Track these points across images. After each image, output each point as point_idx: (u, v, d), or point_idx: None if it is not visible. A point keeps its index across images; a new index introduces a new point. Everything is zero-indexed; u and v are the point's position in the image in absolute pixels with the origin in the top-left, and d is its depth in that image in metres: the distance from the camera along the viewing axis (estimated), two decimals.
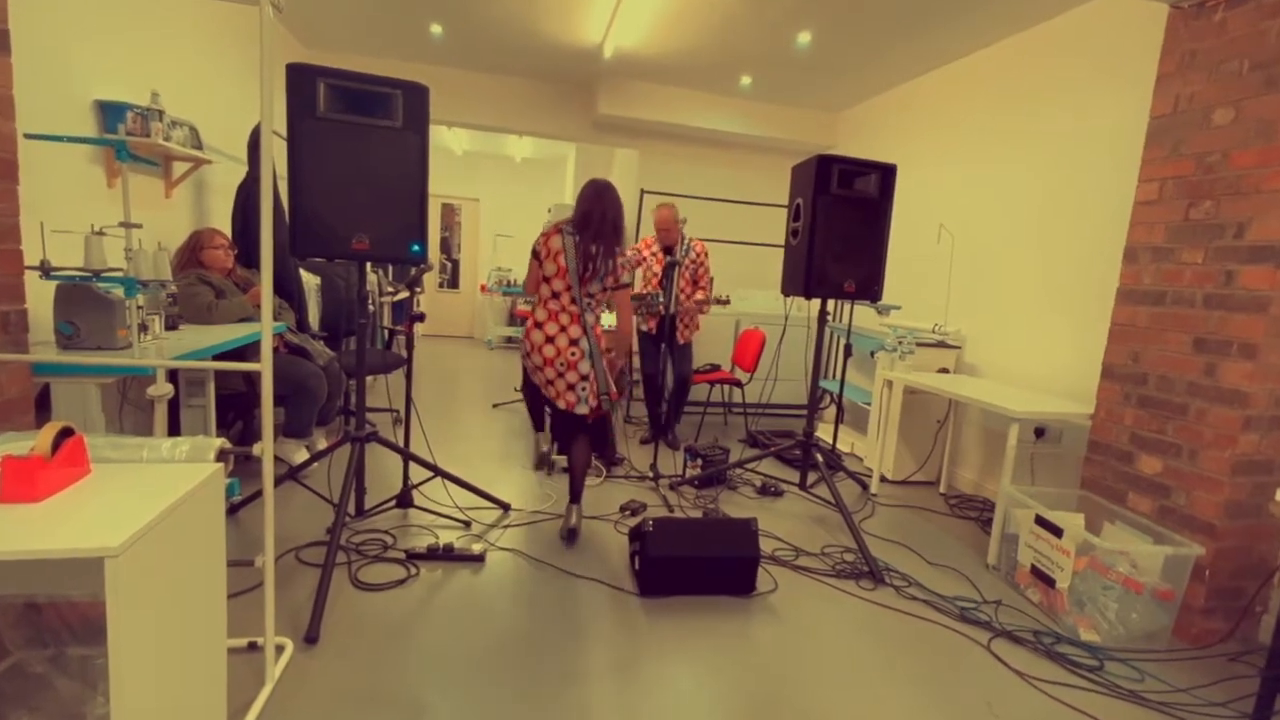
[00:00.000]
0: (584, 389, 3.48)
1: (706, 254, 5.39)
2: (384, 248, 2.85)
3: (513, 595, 2.99)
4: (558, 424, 3.68)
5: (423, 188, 2.88)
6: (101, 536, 1.34)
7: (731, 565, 3.12)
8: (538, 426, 4.12)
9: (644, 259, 5.40)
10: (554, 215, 5.59)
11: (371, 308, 6.46)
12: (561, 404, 3.51)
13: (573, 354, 3.43)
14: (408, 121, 2.82)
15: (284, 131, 2.75)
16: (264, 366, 2.00)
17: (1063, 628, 3.06)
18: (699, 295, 5.32)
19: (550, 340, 3.45)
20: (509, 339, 11.22)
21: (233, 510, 3.55)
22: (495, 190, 11.59)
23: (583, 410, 3.51)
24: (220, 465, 1.81)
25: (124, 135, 3.39)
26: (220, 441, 1.94)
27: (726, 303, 5.53)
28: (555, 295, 3.47)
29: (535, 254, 3.52)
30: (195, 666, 1.73)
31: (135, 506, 1.49)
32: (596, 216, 3.46)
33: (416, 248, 2.91)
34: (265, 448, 2.05)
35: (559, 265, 3.44)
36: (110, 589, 1.32)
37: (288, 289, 4.59)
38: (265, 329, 2.01)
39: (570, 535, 3.57)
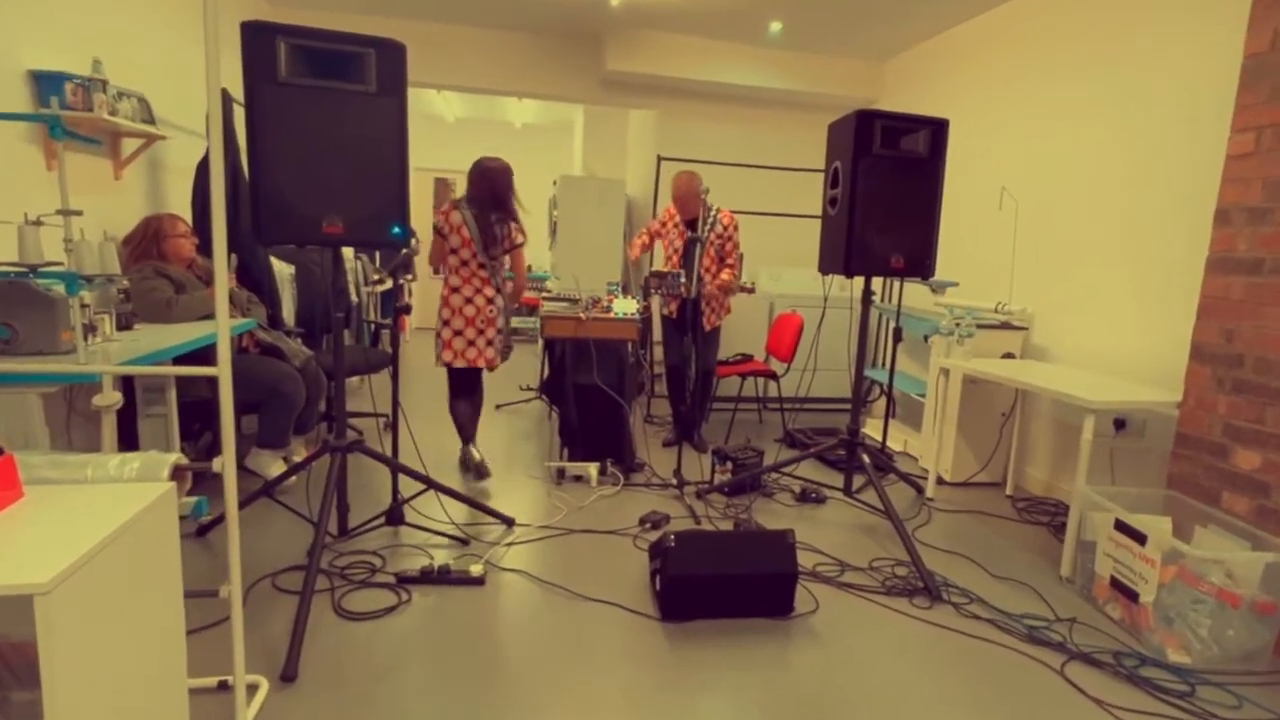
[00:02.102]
0: (499, 342, 4.49)
1: (736, 226, 5.34)
2: (360, 231, 2.83)
3: (517, 622, 2.98)
4: (462, 383, 4.59)
5: (402, 160, 2.86)
6: (29, 571, 1.33)
7: (766, 583, 3.10)
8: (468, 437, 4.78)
9: (662, 231, 5.37)
10: (561, 188, 5.58)
11: (355, 299, 6.47)
12: (481, 362, 4.45)
13: (490, 311, 4.42)
14: (383, 85, 2.80)
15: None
16: (221, 370, 1.99)
17: (1148, 648, 3.01)
18: (725, 275, 5.28)
19: (469, 301, 4.39)
20: (516, 330, 11.23)
21: (202, 532, 3.56)
22: None
23: (496, 361, 4.49)
24: (173, 485, 1.80)
25: (58, 110, 3.38)
26: (174, 457, 1.93)
27: (751, 290, 5.47)
28: (464, 264, 4.38)
29: (439, 230, 4.36)
30: (150, 710, 1.72)
31: (72, 534, 1.48)
32: (488, 192, 4.36)
33: (397, 230, 2.89)
34: (226, 462, 2.04)
35: (463, 237, 4.33)
36: (42, 629, 1.31)
37: (257, 280, 4.60)
38: (221, 325, 1.99)
39: (480, 470, 4.58)
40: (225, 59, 3.01)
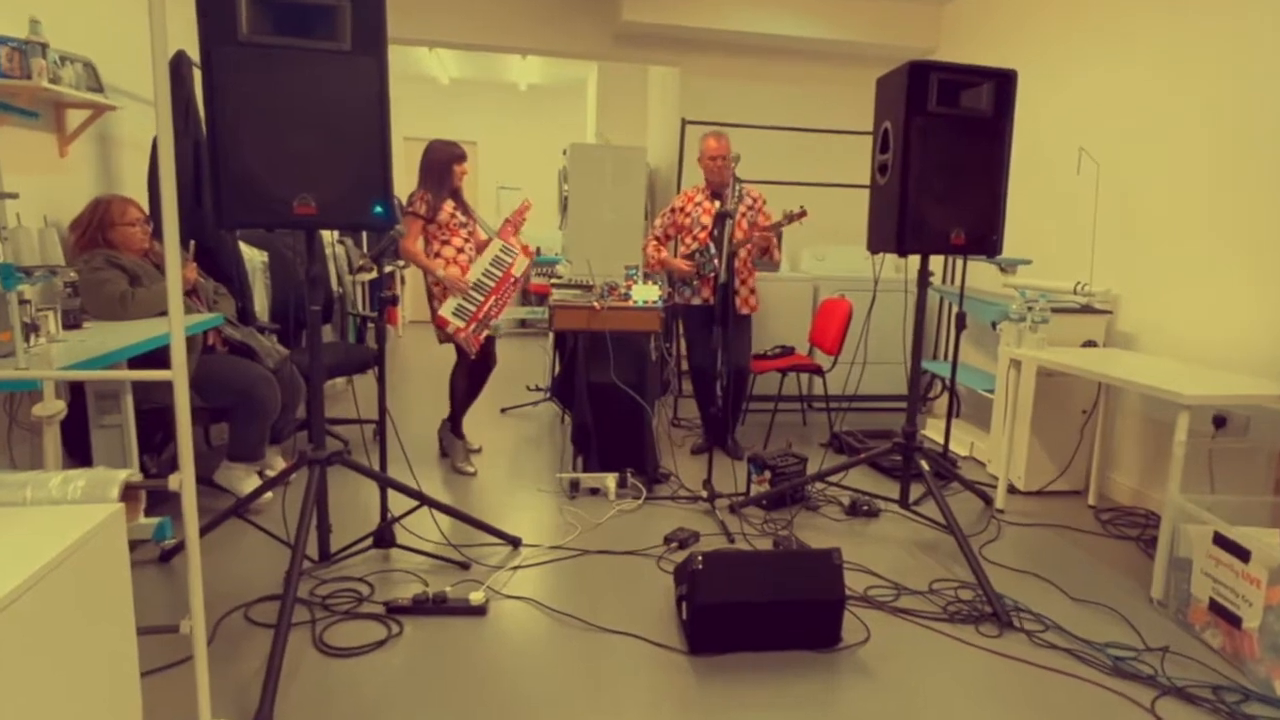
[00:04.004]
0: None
1: (765, 201, 5.40)
2: (336, 211, 2.84)
3: (524, 657, 2.97)
4: (479, 370, 5.15)
5: (383, 129, 2.86)
6: None
7: (810, 611, 3.08)
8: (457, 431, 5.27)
9: (680, 217, 5.35)
10: (572, 158, 5.56)
11: (337, 290, 6.49)
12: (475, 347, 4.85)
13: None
14: (359, 42, 2.80)
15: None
16: (175, 372, 1.98)
17: (1252, 680, 2.98)
18: (761, 220, 5.33)
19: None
20: (523, 321, 11.25)
21: (165, 557, 3.59)
22: (496, 129, 11.63)
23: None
24: (123, 506, 1.79)
25: None
26: (125, 474, 1.93)
27: (803, 215, 5.26)
28: (460, 249, 4.90)
29: (416, 215, 4.83)
30: None
31: (3, 565, 1.47)
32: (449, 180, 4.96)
33: (380, 209, 2.89)
34: (184, 479, 2.04)
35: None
36: None
37: (225, 269, 4.62)
38: (174, 318, 1.99)
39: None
40: (180, 15, 3.00)
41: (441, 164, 4.93)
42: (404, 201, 5.03)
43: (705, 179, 5.35)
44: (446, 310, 4.75)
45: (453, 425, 5.23)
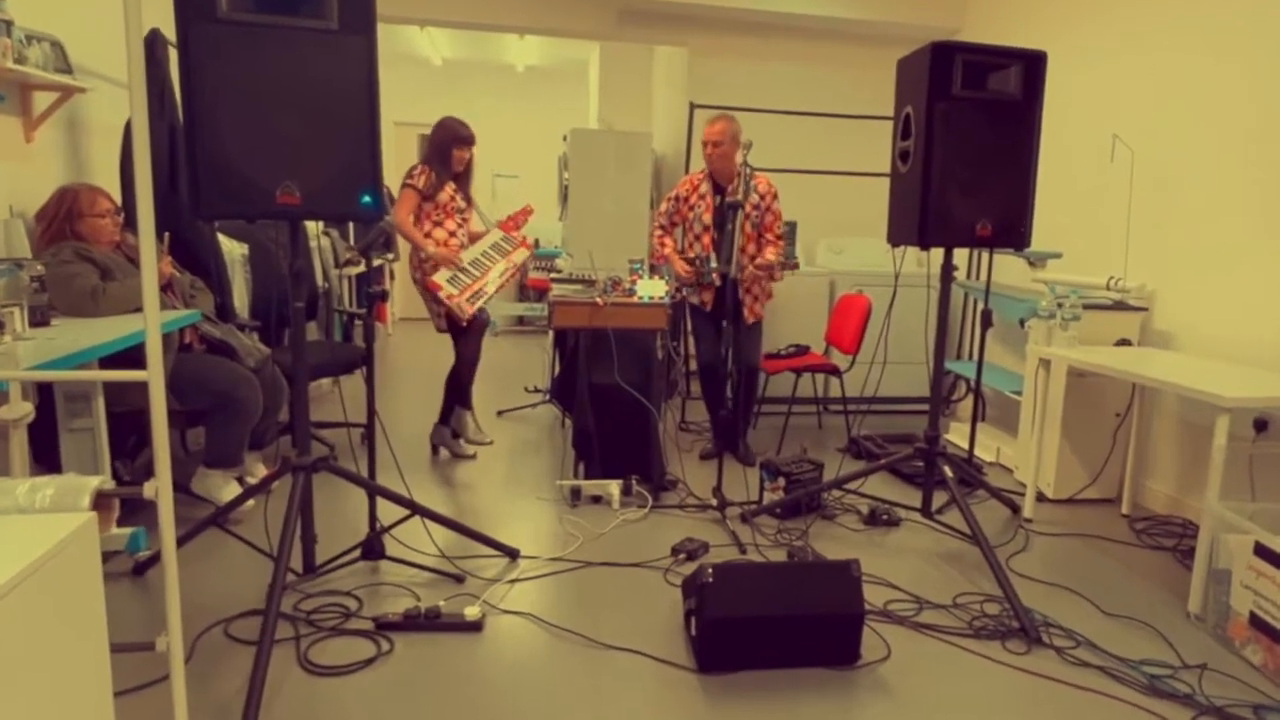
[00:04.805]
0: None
1: (775, 195, 5.33)
2: (322, 201, 2.84)
3: (522, 676, 2.97)
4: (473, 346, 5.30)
5: (372, 113, 2.86)
6: None
7: (826, 626, 3.08)
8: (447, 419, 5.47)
9: (682, 208, 5.33)
10: (573, 144, 5.56)
11: (324, 284, 6.49)
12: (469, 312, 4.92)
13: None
14: (346, 20, 2.80)
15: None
16: (151, 372, 1.98)
17: None
18: (770, 254, 5.24)
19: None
20: (520, 319, 11.26)
21: (140, 570, 3.58)
22: (491, 113, 11.62)
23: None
24: (94, 515, 1.79)
25: None
26: (98, 481, 1.93)
27: (795, 267, 5.41)
28: (452, 234, 5.08)
29: (414, 188, 5.00)
30: None
31: None
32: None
33: (368, 199, 2.89)
34: (161, 486, 2.03)
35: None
36: None
37: (202, 262, 4.62)
38: (149, 315, 1.98)
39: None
40: None
41: (443, 143, 5.09)
42: (398, 187, 5.13)
43: (707, 164, 5.32)
44: (440, 276, 4.81)
45: (460, 398, 5.44)
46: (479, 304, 4.92)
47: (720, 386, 5.28)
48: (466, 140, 5.16)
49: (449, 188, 5.09)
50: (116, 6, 4.84)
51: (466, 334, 5.22)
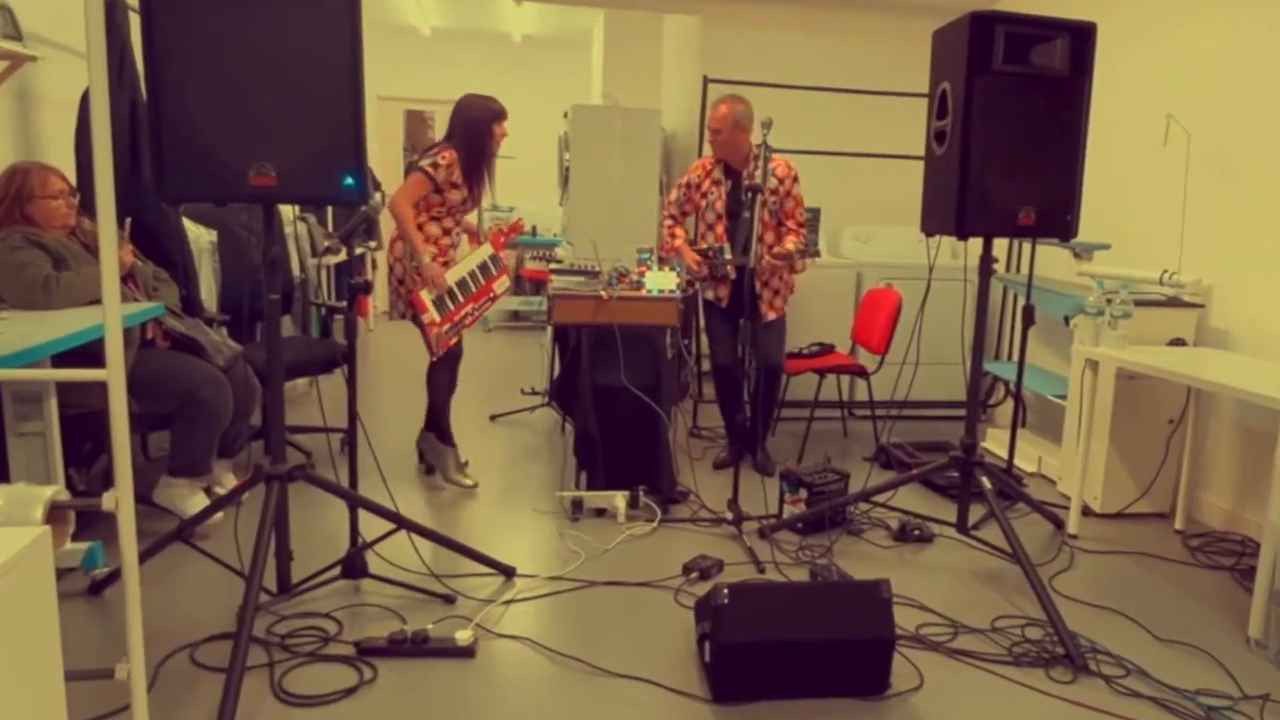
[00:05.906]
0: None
1: (796, 179, 5.34)
2: (299, 182, 2.85)
3: (519, 706, 2.96)
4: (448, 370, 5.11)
5: (355, 86, 2.86)
6: None
7: (853, 652, 3.07)
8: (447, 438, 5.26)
9: (694, 195, 5.32)
10: (575, 121, 5.54)
11: (300, 274, 6.49)
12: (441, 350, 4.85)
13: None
14: None
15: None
16: (111, 370, 1.96)
17: None
18: (790, 242, 5.22)
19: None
20: (516, 314, 11.26)
21: (96, 589, 3.58)
22: (485, 87, 11.56)
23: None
24: (47, 529, 1.77)
25: None
26: (52, 491, 1.92)
27: (816, 255, 5.38)
28: (446, 232, 4.98)
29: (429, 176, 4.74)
30: None
31: None
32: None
33: (350, 181, 2.89)
34: (121, 497, 2.02)
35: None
36: None
37: (166, 250, 4.61)
38: (109, 308, 1.96)
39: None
40: None
41: (480, 122, 4.87)
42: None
43: (714, 152, 5.30)
44: (427, 295, 4.74)
45: (439, 432, 5.18)
46: (454, 339, 4.86)
47: (737, 389, 5.27)
48: (501, 114, 5.00)
49: (461, 190, 4.89)
50: None
51: (443, 359, 5.10)
